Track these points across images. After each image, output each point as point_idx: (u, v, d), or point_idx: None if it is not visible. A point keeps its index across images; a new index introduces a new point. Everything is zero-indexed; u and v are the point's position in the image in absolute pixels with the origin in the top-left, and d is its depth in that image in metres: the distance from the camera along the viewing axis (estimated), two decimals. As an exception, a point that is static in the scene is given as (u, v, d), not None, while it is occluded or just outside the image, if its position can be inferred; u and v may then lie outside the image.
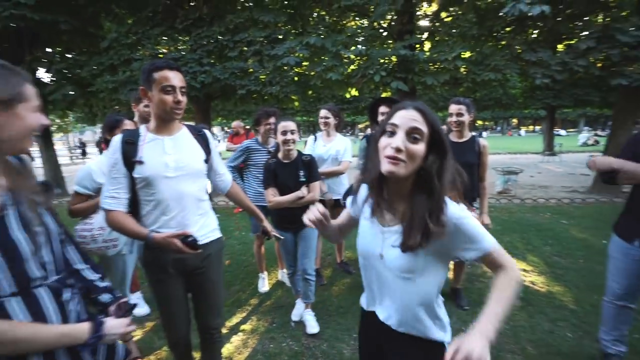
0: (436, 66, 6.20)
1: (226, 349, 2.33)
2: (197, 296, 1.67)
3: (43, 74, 7.75)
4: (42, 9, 6.07)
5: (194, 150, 1.54)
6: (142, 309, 2.80)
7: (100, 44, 6.81)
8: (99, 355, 1.00)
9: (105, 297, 1.07)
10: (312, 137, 3.32)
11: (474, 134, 2.62)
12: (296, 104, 8.84)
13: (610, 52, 5.22)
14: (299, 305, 2.68)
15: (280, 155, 2.36)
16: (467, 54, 6.29)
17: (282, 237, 2.17)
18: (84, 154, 21.16)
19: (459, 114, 2.49)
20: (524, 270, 3.32)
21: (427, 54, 6.09)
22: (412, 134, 0.86)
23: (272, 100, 7.61)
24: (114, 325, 0.95)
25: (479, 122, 41.28)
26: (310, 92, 7.73)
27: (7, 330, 0.78)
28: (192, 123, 2.20)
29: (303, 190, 2.32)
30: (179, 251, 1.36)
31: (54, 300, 0.89)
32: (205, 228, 1.58)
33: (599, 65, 5.85)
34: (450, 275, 2.87)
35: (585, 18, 6.32)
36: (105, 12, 7.17)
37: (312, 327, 2.50)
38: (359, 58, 6.45)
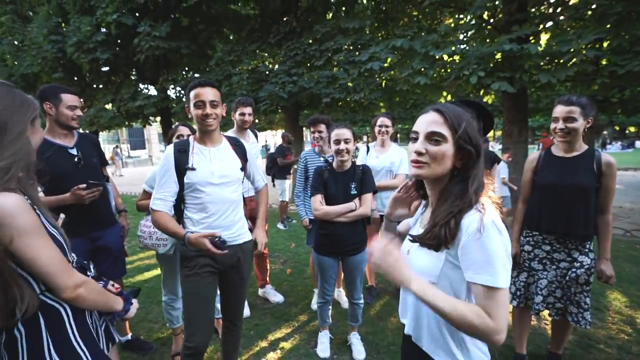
0: (554, 61, 5.01)
1: (259, 367, 2.22)
2: (227, 291, 1.83)
3: (170, 92, 9.38)
4: (170, 38, 7.34)
5: (233, 160, 1.70)
6: (277, 297, 3.12)
7: (209, 63, 7.81)
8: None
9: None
10: (364, 147, 3.01)
11: (597, 148, 1.89)
12: (382, 110, 8.49)
13: None
14: (323, 337, 2.40)
15: (334, 164, 2.19)
16: (603, 43, 4.88)
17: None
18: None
19: (569, 119, 1.81)
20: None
21: (542, 46, 4.98)
22: (432, 137, 0.86)
23: (358, 107, 7.47)
24: (134, 307, 1.20)
25: (632, 129, 32.49)
26: (397, 98, 7.27)
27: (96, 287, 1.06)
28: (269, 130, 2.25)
29: (355, 202, 2.10)
30: (208, 251, 1.48)
31: None
32: (242, 229, 1.77)
33: None
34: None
35: None
36: (217, 34, 8.24)
37: (359, 352, 2.27)
38: (451, 59, 5.72)
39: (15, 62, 10.19)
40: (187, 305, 1.67)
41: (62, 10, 8.72)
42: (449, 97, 6.83)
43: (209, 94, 1.56)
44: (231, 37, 8.18)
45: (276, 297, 3.10)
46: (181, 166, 1.57)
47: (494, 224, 0.79)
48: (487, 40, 6.43)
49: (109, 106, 9.78)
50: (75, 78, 9.54)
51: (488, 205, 0.84)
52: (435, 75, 5.73)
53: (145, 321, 2.80)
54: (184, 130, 2.25)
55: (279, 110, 8.15)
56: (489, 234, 0.78)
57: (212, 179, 1.60)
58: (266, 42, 7.26)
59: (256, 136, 3.06)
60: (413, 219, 1.10)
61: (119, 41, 8.07)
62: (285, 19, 7.44)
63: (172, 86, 8.93)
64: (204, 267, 1.63)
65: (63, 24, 8.76)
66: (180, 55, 8.10)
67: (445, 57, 5.70)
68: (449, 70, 5.76)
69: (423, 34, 6.29)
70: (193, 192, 1.60)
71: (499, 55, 5.17)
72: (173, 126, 2.34)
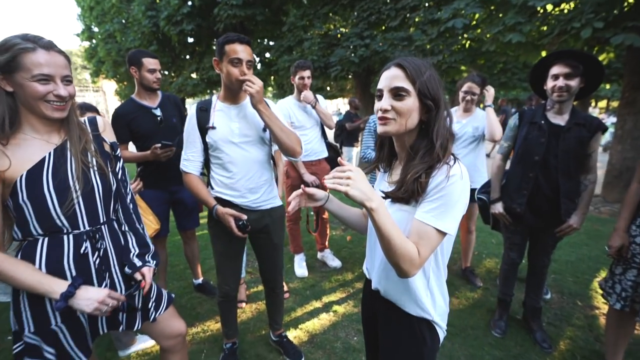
0: None
1: (311, 325, 2.32)
2: (260, 254, 1.86)
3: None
4: (245, 6, 7.52)
5: (255, 119, 1.58)
6: (335, 262, 3.17)
7: (282, 29, 7.84)
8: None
9: (135, 261, 1.17)
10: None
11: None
12: (464, 75, 7.56)
13: None
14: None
15: None
16: None
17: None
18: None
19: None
20: None
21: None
22: (396, 93, 0.86)
23: (436, 71, 6.80)
24: (87, 295, 0.98)
25: None
26: (482, 60, 6.39)
27: None
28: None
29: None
30: (230, 229, 1.54)
31: (73, 249, 1.03)
32: (268, 194, 1.70)
33: None
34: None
35: None
36: (290, -1, 8.16)
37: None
38: (557, 9, 4.73)
39: (123, 38, 11.69)
40: (217, 260, 1.78)
41: (156, -14, 9.54)
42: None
43: (247, 52, 1.46)
44: (304, 1, 8.02)
45: (334, 262, 3.17)
46: (202, 125, 1.54)
47: (461, 175, 0.83)
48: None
49: (194, 75, 10.67)
50: (167, 49, 10.55)
51: (453, 160, 0.86)
52: (532, 31, 4.84)
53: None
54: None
55: (349, 77, 7.90)
56: (453, 182, 0.82)
57: (232, 138, 1.55)
58: (339, 4, 6.94)
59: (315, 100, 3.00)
60: (378, 179, 1.11)
61: (201, 13, 8.56)
62: (360, -24, 6.96)
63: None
64: (228, 230, 1.61)
65: (157, 0, 9.62)
66: (255, 22, 8.29)
67: (550, 7, 4.74)
68: (551, 24, 4.79)
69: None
70: (215, 152, 1.57)
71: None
72: None
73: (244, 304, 2.57)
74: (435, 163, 0.85)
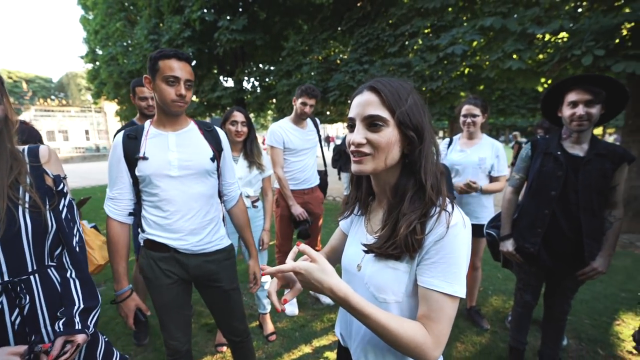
0: None
1: None
2: (209, 305, 1.59)
3: (245, 83, 9.86)
4: (245, 31, 7.61)
5: (200, 147, 1.38)
6: (328, 299, 2.72)
7: (282, 54, 7.91)
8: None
9: (77, 319, 0.95)
10: (445, 140, 2.54)
11: None
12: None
13: None
14: None
15: None
16: None
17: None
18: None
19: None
20: None
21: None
22: (371, 122, 0.71)
23: (435, 97, 6.78)
24: None
25: None
26: (481, 87, 6.37)
27: None
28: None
29: None
30: (126, 322, 1.35)
31: None
32: (213, 235, 1.45)
33: None
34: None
35: None
36: (290, 25, 8.29)
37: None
38: (555, 38, 4.72)
39: (125, 61, 11.85)
40: (158, 314, 1.47)
41: (159, 12, 9.76)
42: (547, 84, 5.74)
43: (185, 70, 1.27)
44: (304, 27, 8.16)
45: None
46: (131, 156, 1.30)
47: (463, 223, 0.70)
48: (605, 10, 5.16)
49: (194, 98, 10.72)
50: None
51: (449, 202, 0.73)
52: (531, 58, 4.82)
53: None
54: (238, 117, 2.15)
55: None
56: (456, 234, 0.69)
57: (169, 171, 1.31)
58: (337, 30, 7.03)
59: (316, 125, 2.86)
60: (353, 224, 0.92)
61: (202, 37, 8.68)
62: (359, 4, 7.09)
63: (246, 78, 9.36)
64: (166, 277, 1.39)
65: (160, 24, 9.81)
66: (255, 47, 8.38)
67: (548, 35, 4.74)
68: (550, 52, 4.77)
69: (521, 8, 5.32)
70: (148, 187, 1.32)
71: (626, 26, 4.07)
72: (227, 110, 2.27)
73: (224, 348, 2.29)
74: (429, 209, 0.71)
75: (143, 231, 1.38)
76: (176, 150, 1.33)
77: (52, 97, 47.45)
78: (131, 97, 2.28)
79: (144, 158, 1.29)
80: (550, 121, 1.78)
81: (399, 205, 0.74)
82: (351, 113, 0.75)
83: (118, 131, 2.21)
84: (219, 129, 1.50)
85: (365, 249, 0.77)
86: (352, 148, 0.73)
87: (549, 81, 5.43)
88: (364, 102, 0.72)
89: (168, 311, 1.43)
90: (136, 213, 1.41)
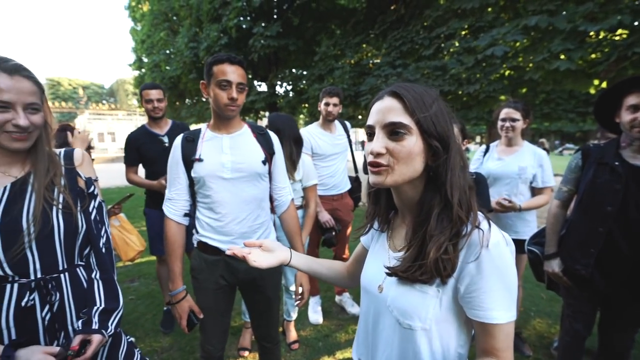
0: None
1: None
2: (250, 309, 1.63)
3: (278, 88, 10.03)
4: (279, 37, 7.75)
5: (253, 150, 1.39)
6: (354, 309, 2.77)
7: (314, 59, 7.95)
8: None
9: (95, 319, 0.95)
10: (481, 147, 2.38)
11: None
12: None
13: None
14: None
15: None
16: None
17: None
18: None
19: None
20: None
21: None
22: (392, 130, 0.65)
23: (472, 101, 6.46)
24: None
25: None
26: (523, 90, 5.95)
27: None
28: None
29: None
30: (180, 323, 1.37)
31: (14, 302, 0.85)
32: (264, 238, 1.46)
33: None
34: None
35: None
36: (323, 29, 8.33)
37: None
38: (611, 35, 4.31)
39: (167, 67, 12.57)
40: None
41: (199, 21, 10.24)
42: (603, 85, 5.23)
43: (237, 74, 1.30)
44: (337, 32, 8.15)
45: (353, 309, 2.82)
46: (188, 157, 1.35)
47: (505, 241, 0.64)
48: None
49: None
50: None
51: (483, 218, 0.67)
52: (582, 58, 4.43)
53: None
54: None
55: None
56: (501, 254, 0.63)
57: (222, 173, 1.33)
58: (370, 34, 6.94)
59: (346, 129, 2.80)
60: (373, 241, 0.86)
61: (238, 44, 8.98)
62: (393, 7, 6.96)
63: (279, 82, 9.52)
64: (214, 282, 1.43)
65: (199, 33, 10.29)
66: (288, 52, 8.50)
67: (603, 33, 4.33)
68: (606, 50, 4.36)
69: (571, 5, 4.92)
70: (202, 189, 1.36)
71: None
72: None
73: (246, 353, 2.28)
74: (460, 228, 0.65)
75: (197, 232, 1.43)
76: (229, 153, 1.36)
77: (104, 101, 51.74)
78: (141, 101, 2.36)
79: (200, 160, 1.34)
80: (605, 127, 1.59)
81: (425, 224, 0.68)
82: (370, 120, 0.70)
83: (129, 135, 2.40)
84: (271, 133, 1.53)
85: (389, 271, 0.70)
86: (370, 158, 0.68)
87: (604, 83, 4.96)
88: (385, 109, 0.67)
89: (210, 315, 1.47)
90: (191, 214, 1.46)
